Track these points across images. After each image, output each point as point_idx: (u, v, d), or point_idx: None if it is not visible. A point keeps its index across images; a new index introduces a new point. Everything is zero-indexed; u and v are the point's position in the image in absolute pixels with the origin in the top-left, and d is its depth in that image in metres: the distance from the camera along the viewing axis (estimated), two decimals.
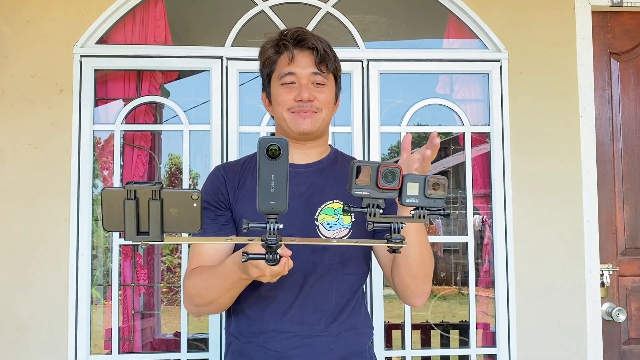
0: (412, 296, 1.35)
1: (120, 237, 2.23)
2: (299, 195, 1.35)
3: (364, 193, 0.91)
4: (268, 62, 1.40)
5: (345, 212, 0.93)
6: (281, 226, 0.89)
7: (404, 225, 0.94)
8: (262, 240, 0.89)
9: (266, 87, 1.44)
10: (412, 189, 0.92)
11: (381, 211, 0.92)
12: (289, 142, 0.88)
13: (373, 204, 0.92)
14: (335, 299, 1.35)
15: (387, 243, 0.94)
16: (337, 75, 1.42)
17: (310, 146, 1.42)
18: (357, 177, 0.91)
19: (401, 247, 0.93)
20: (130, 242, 0.83)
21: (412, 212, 0.94)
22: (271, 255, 0.92)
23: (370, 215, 0.92)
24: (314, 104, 1.36)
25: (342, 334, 1.35)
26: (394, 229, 0.93)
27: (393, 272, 1.34)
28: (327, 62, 1.37)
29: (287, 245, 1.08)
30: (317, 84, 1.37)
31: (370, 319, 1.47)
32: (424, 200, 0.92)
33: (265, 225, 0.88)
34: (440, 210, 0.94)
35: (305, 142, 1.40)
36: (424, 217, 0.93)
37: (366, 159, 2.25)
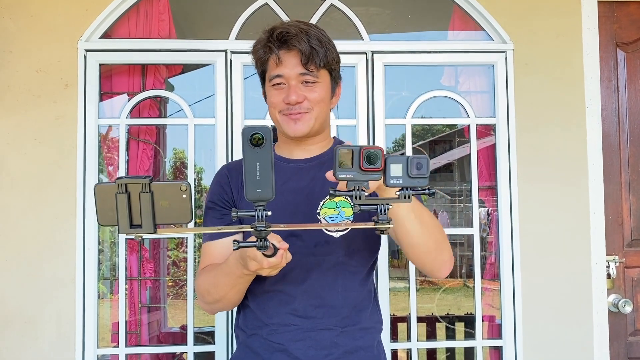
0: (434, 269, 1.32)
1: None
2: (300, 190, 1.36)
3: (347, 176, 0.92)
4: (260, 63, 1.40)
5: (331, 196, 0.94)
6: (269, 213, 0.90)
7: (391, 206, 0.94)
8: (251, 228, 0.90)
9: (262, 84, 1.44)
10: (396, 169, 0.92)
11: (366, 194, 0.93)
12: (271, 129, 0.89)
13: (357, 187, 0.92)
14: (341, 293, 1.35)
15: (374, 225, 0.94)
16: (331, 68, 1.38)
17: (310, 142, 1.42)
18: (340, 161, 0.92)
19: (388, 227, 0.94)
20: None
21: (397, 192, 0.94)
22: (261, 242, 0.93)
23: (355, 197, 0.93)
24: (303, 105, 1.34)
25: (347, 328, 1.34)
26: (380, 210, 0.94)
27: (405, 252, 1.29)
28: (315, 60, 1.32)
29: (283, 239, 1.10)
30: (306, 82, 1.34)
31: (380, 313, 1.45)
32: (408, 181, 0.93)
33: (253, 213, 0.89)
34: (425, 189, 0.94)
35: (304, 140, 1.40)
36: (409, 197, 0.93)
37: None
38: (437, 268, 1.31)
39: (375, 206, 0.94)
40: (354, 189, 0.93)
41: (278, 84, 1.35)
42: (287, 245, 1.10)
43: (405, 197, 0.93)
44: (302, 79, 1.34)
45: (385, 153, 0.95)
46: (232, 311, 2.17)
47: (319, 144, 1.43)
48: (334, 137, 1.49)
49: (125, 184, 0.83)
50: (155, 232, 0.85)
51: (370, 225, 0.97)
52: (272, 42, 1.34)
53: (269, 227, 0.90)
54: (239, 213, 0.90)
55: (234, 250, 1.05)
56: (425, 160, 0.93)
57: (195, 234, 2.27)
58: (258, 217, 0.89)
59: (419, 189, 0.94)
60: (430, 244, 1.25)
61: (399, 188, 0.95)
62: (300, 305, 1.33)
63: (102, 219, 0.85)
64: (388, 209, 0.94)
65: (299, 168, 1.39)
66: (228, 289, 1.30)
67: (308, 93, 1.34)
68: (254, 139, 0.87)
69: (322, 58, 1.34)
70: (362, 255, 1.39)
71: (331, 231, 1.34)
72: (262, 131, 0.87)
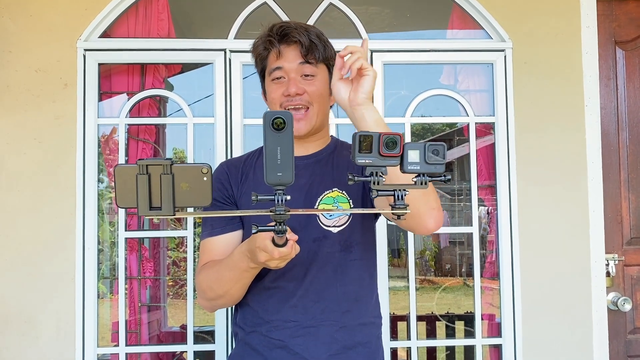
0: (421, 217, 1.21)
1: (131, 229, 2.24)
2: (298, 187, 1.36)
3: (367, 161, 0.93)
4: (260, 59, 1.42)
5: (350, 180, 0.95)
6: (288, 198, 0.91)
7: (407, 192, 0.95)
8: (270, 212, 0.91)
9: (262, 83, 1.45)
10: (413, 155, 0.94)
11: (384, 179, 0.94)
12: (292, 115, 0.90)
13: (376, 172, 0.94)
14: (339, 287, 1.35)
15: (391, 210, 0.96)
16: (329, 64, 1.40)
17: (309, 140, 1.43)
18: (359, 146, 0.93)
19: (406, 212, 0.95)
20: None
21: (414, 179, 0.96)
22: (280, 226, 0.94)
23: (374, 183, 0.94)
24: (303, 97, 1.36)
25: (346, 323, 1.35)
26: (398, 196, 0.95)
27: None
28: (315, 52, 1.36)
29: (292, 230, 1.10)
30: (305, 75, 1.36)
31: (379, 308, 1.45)
32: (424, 167, 0.94)
33: (273, 197, 0.90)
34: (441, 176, 0.95)
35: (304, 137, 1.41)
36: (425, 183, 0.95)
37: None
38: (423, 215, 1.20)
39: (393, 191, 0.95)
40: (372, 174, 0.94)
41: (278, 77, 1.37)
42: (296, 237, 1.11)
43: (421, 183, 0.95)
44: (302, 72, 1.36)
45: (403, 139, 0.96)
46: (231, 309, 2.17)
47: (317, 141, 1.44)
48: (331, 136, 1.50)
49: (147, 165, 0.83)
50: (174, 214, 0.86)
51: (387, 210, 0.99)
52: (273, 36, 1.36)
53: (288, 212, 0.91)
54: (259, 197, 0.91)
55: (253, 233, 1.06)
56: (442, 147, 0.94)
57: (195, 232, 2.27)
58: (278, 200, 0.90)
59: (435, 175, 0.96)
60: (421, 196, 1.17)
61: (415, 175, 0.96)
62: (300, 301, 1.34)
63: (120, 200, 0.85)
64: (405, 195, 0.95)
65: (296, 165, 1.39)
66: (232, 284, 1.30)
67: (307, 86, 1.36)
68: (276, 123, 0.88)
69: (322, 52, 1.37)
70: (361, 250, 1.39)
71: (329, 226, 1.35)
72: (283, 116, 0.88)
